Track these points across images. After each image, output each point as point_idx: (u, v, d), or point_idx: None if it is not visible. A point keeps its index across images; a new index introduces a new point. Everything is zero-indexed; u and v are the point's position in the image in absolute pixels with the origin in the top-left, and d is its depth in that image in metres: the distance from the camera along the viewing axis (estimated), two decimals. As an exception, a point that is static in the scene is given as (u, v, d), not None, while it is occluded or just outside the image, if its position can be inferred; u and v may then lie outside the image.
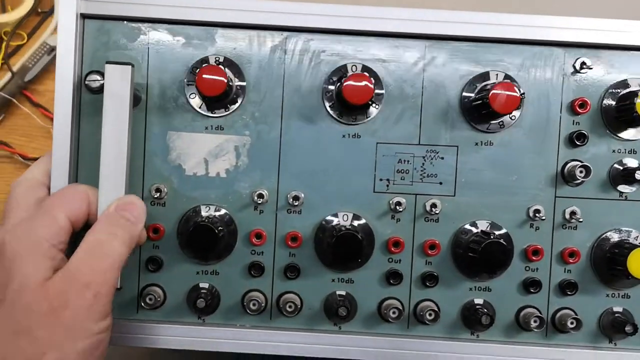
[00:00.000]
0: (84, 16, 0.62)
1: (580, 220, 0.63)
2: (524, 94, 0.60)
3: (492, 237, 0.61)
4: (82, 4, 0.61)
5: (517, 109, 0.60)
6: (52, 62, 0.98)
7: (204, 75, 0.59)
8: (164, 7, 0.62)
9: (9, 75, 0.97)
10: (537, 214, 0.63)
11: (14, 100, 0.97)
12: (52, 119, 0.96)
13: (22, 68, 0.99)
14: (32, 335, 0.53)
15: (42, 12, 0.97)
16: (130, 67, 0.58)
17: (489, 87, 0.61)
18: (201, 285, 0.64)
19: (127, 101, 0.58)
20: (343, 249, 0.61)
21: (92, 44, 0.63)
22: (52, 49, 0.98)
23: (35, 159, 0.92)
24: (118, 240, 0.57)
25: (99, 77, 0.62)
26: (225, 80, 0.59)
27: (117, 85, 0.58)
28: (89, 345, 0.54)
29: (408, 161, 0.64)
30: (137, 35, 0.63)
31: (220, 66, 0.61)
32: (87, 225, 0.59)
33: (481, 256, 0.61)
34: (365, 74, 0.60)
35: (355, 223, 0.63)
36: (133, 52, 0.63)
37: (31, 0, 0.95)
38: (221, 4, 0.62)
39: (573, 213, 0.64)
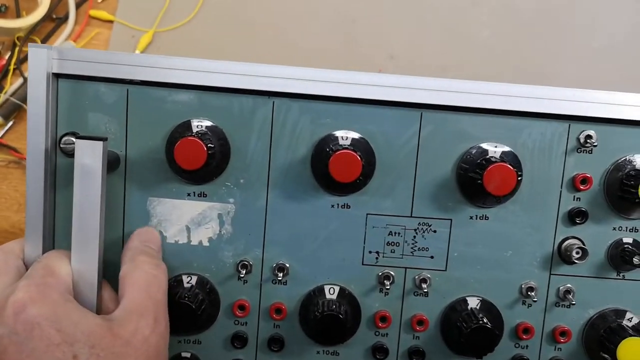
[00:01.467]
0: (57, 75, 0.58)
1: (574, 302, 0.61)
2: (521, 175, 0.57)
3: (480, 321, 0.59)
4: (54, 63, 0.57)
5: (513, 191, 0.57)
6: None
7: (182, 150, 0.56)
8: (145, 68, 0.58)
9: (20, 80, 0.96)
10: (529, 292, 0.61)
11: (24, 106, 0.96)
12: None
13: None
14: None
15: (57, 18, 0.95)
16: (102, 142, 0.54)
17: (484, 163, 0.57)
18: (183, 355, 0.62)
19: (99, 177, 0.55)
20: (327, 328, 0.59)
21: (67, 103, 0.59)
22: None
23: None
24: (159, 269, 0.58)
25: (74, 139, 0.58)
26: (205, 154, 0.56)
27: (88, 160, 0.54)
28: None
29: (399, 233, 0.61)
30: (115, 95, 0.59)
31: (201, 134, 0.57)
32: None
33: (469, 338, 0.59)
34: (353, 152, 0.56)
35: (342, 296, 0.61)
36: (111, 113, 0.59)
37: (45, 6, 0.93)
38: (205, 66, 0.58)
39: (567, 292, 0.62)
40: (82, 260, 0.56)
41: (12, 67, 0.98)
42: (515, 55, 0.93)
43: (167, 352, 0.56)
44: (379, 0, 0.95)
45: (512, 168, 0.56)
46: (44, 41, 0.99)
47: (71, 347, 0.51)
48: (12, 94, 0.98)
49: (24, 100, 0.98)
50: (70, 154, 0.58)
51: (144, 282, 0.56)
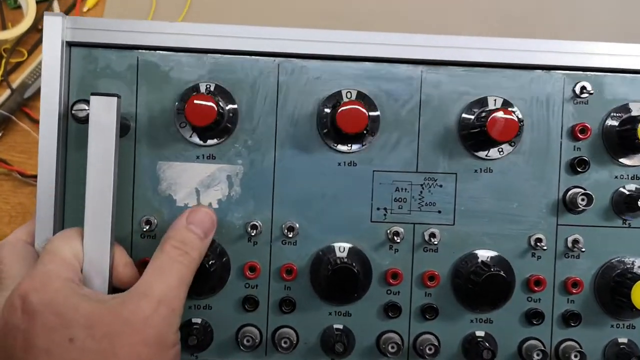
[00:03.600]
0: (70, 44, 0.60)
1: (583, 249, 0.62)
2: (522, 120, 0.59)
3: (492, 269, 0.59)
4: (68, 32, 0.60)
5: (517, 136, 0.59)
6: None
7: (194, 103, 0.57)
8: (153, 34, 0.60)
9: (8, 92, 0.97)
10: (538, 243, 0.62)
11: (13, 117, 0.97)
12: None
13: (21, 85, 0.99)
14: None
15: (42, 29, 0.96)
16: (115, 98, 0.56)
17: (486, 113, 0.59)
18: (193, 320, 0.62)
19: (113, 134, 0.56)
20: (339, 283, 0.59)
21: (79, 72, 0.61)
22: None
23: (34, 177, 0.91)
24: (187, 257, 0.57)
25: (86, 107, 0.60)
26: (215, 109, 0.57)
27: (102, 117, 0.56)
28: (174, 356, 0.55)
29: (406, 189, 0.62)
30: (126, 63, 0.61)
31: (210, 95, 0.59)
32: None
33: (481, 289, 0.59)
34: (360, 101, 0.58)
35: (352, 254, 0.61)
36: (122, 80, 0.61)
37: (31, 18, 0.95)
38: (212, 30, 0.60)
39: (575, 242, 0.62)
40: (95, 232, 0.56)
41: None
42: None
43: (176, 342, 0.55)
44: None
45: (513, 113, 0.58)
46: (30, 52, 0.98)
47: (67, 331, 0.51)
48: (0, 106, 0.97)
49: (13, 112, 0.96)
50: (82, 120, 0.60)
51: (159, 265, 0.56)
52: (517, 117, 0.58)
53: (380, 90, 0.61)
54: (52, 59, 0.59)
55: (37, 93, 0.96)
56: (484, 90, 0.62)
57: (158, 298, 0.54)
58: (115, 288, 0.58)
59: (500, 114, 0.58)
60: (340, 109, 0.58)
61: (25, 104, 0.97)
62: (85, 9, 0.96)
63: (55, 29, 0.59)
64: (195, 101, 0.57)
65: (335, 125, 0.58)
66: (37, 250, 0.59)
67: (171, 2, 0.95)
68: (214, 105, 0.57)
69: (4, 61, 0.96)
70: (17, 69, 1.00)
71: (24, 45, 0.99)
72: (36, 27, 0.95)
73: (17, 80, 0.98)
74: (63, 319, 0.51)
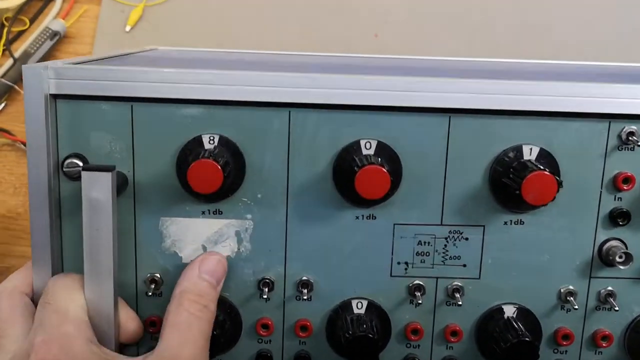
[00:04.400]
0: (55, 96, 0.53)
1: (617, 308, 0.58)
2: (561, 182, 0.53)
3: (520, 332, 0.56)
4: (51, 84, 0.53)
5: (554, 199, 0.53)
6: (55, 47, 1.00)
7: (197, 170, 0.51)
8: (148, 84, 0.53)
9: (10, 61, 0.98)
10: (569, 297, 0.58)
11: (16, 87, 0.99)
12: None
13: (24, 54, 1.01)
14: None
15: None
16: (110, 174, 0.50)
17: (520, 168, 0.53)
18: (206, 377, 0.60)
19: (110, 211, 0.51)
20: (358, 349, 0.56)
21: (68, 124, 0.54)
22: (55, 34, 0.99)
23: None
24: (206, 311, 0.54)
25: (79, 162, 0.55)
26: (222, 175, 0.52)
27: (96, 194, 0.51)
28: None
29: (429, 243, 0.58)
30: (120, 114, 0.54)
31: (214, 156, 0.52)
32: None
33: (508, 354, 0.56)
34: (380, 167, 0.52)
35: (370, 310, 0.58)
36: (116, 132, 0.55)
37: None
38: (213, 79, 0.53)
39: (609, 295, 0.58)
40: (97, 295, 0.53)
41: (1, 47, 0.97)
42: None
43: None
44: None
45: (552, 176, 0.52)
46: (32, 21, 0.97)
47: None
48: (3, 75, 0.97)
49: (15, 81, 0.97)
50: (74, 177, 0.55)
51: (181, 323, 0.53)
52: (557, 179, 0.52)
53: (403, 140, 0.55)
54: (35, 115, 0.52)
55: (40, 62, 0.95)
56: (517, 139, 0.55)
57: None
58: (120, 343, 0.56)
59: (536, 177, 0.52)
60: (360, 174, 0.52)
61: (28, 73, 0.97)
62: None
63: (36, 83, 0.52)
64: (198, 168, 0.51)
65: (354, 189, 0.52)
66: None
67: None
68: (220, 171, 0.52)
69: (5, 30, 0.97)
70: (19, 37, 1.00)
71: (26, 14, 0.99)
72: (38, -5, 0.94)
73: (19, 49, 1.01)
74: None
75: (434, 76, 0.55)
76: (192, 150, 0.54)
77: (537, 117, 0.55)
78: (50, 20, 0.97)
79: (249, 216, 0.57)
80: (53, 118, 0.54)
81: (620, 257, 0.56)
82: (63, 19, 0.98)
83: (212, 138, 0.55)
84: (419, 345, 0.60)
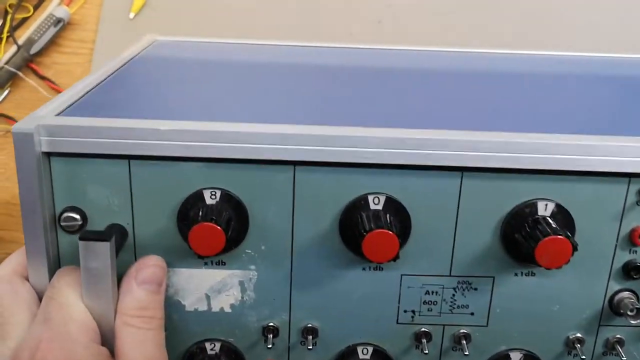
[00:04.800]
0: (49, 154, 0.51)
1: (623, 357, 0.57)
2: (577, 246, 0.51)
3: (526, 383, 0.56)
4: (43, 142, 0.50)
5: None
6: (59, 34, 1.00)
7: (198, 234, 0.49)
8: (146, 142, 0.50)
9: (14, 48, 0.97)
10: (577, 344, 0.57)
11: (20, 74, 0.99)
12: (59, 92, 0.97)
13: (27, 41, 0.99)
14: None
15: None
16: (107, 243, 0.48)
17: (535, 229, 0.51)
18: (212, 420, 0.60)
19: (109, 279, 0.49)
20: (363, 400, 0.56)
21: (63, 180, 0.52)
22: (59, 21, 0.98)
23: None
24: (154, 321, 0.52)
25: (76, 216, 0.53)
26: (224, 239, 0.50)
27: (94, 263, 0.49)
28: None
29: (436, 292, 0.56)
30: (117, 170, 0.52)
31: (217, 224, 0.50)
32: None
33: (513, 404, 0.56)
34: (389, 232, 0.50)
35: (376, 357, 0.58)
36: (114, 187, 0.52)
37: None
38: (215, 136, 0.50)
39: (617, 342, 0.58)
40: None
41: (5, 34, 0.95)
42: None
43: None
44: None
45: (567, 240, 0.50)
46: (36, 7, 0.96)
47: None
48: (7, 62, 0.96)
49: (20, 68, 0.97)
50: (72, 231, 0.53)
51: (129, 343, 0.51)
52: (572, 242, 0.50)
53: (413, 195, 0.53)
54: (27, 173, 0.50)
55: (44, 49, 0.98)
56: (532, 194, 0.53)
57: None
58: None
59: (551, 241, 0.50)
60: (367, 238, 0.50)
61: (31, 59, 0.97)
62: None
63: (27, 143, 0.49)
64: (199, 232, 0.50)
65: (361, 252, 0.51)
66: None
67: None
68: (222, 235, 0.50)
69: (9, 17, 0.96)
70: (23, 24, 0.98)
71: (29, 1, 0.97)
72: (42, -18, 0.94)
73: (23, 36, 0.98)
74: None
75: (446, 128, 0.52)
76: (192, 205, 0.52)
77: (553, 174, 0.52)
78: (54, 7, 0.96)
79: (252, 267, 0.55)
80: (47, 174, 0.51)
81: (632, 310, 0.55)
82: (67, 5, 0.96)
83: (213, 193, 0.52)
84: (424, 389, 0.60)
